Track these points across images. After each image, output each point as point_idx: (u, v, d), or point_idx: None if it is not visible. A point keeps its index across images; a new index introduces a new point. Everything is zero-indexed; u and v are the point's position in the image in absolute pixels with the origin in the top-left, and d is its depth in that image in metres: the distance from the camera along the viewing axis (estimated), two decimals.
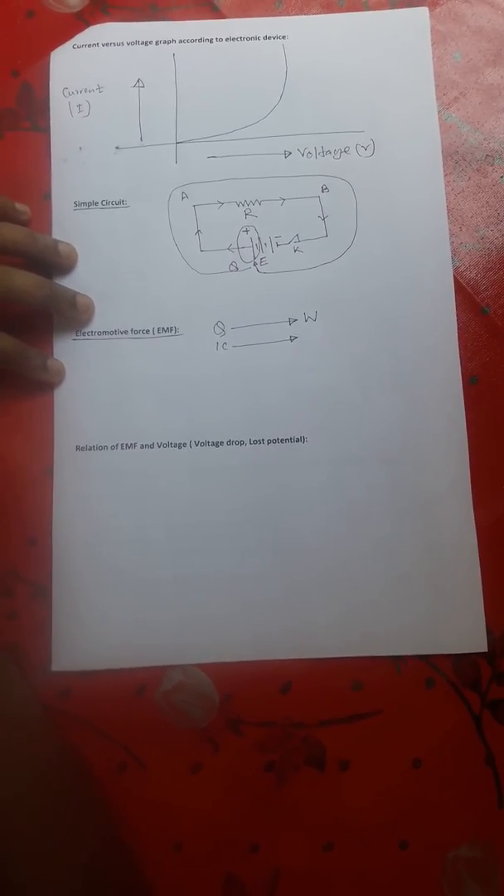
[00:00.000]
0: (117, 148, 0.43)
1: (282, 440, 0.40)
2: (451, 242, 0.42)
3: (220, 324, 0.41)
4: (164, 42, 0.44)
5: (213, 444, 0.40)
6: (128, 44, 0.44)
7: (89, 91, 0.43)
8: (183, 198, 0.42)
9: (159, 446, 0.40)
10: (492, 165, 0.43)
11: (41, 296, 0.39)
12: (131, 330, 0.41)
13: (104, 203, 0.43)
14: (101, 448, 0.40)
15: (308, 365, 0.41)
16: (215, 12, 0.45)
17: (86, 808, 0.35)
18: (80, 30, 0.44)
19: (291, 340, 0.41)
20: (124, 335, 0.41)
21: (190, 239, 0.42)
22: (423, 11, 0.44)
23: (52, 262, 0.41)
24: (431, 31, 0.44)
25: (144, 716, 0.38)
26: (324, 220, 0.42)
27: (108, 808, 0.36)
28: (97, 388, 0.41)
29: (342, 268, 0.42)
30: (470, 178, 0.43)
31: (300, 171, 0.43)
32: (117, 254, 0.42)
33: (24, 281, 0.39)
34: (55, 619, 0.39)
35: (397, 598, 0.39)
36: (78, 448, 0.40)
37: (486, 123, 0.43)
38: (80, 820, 0.34)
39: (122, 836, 0.36)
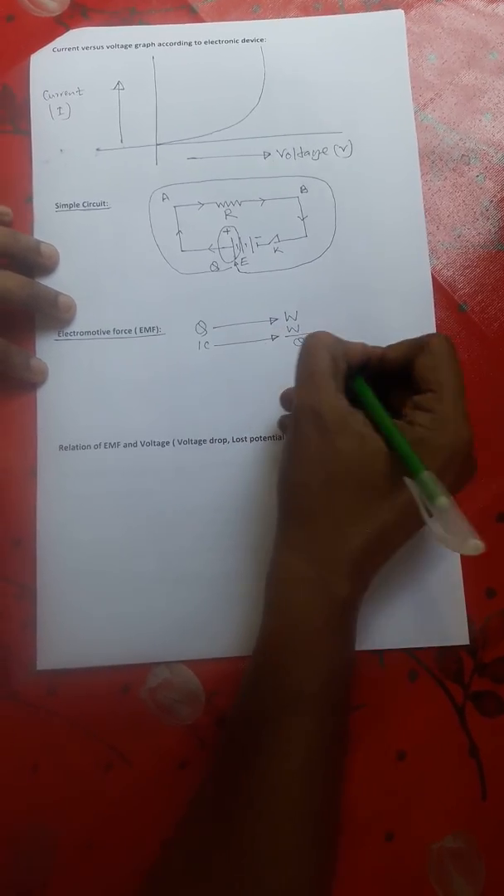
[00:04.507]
0: (98, 150, 0.43)
1: (264, 438, 0.41)
2: (429, 241, 0.43)
3: (201, 323, 0.42)
4: (144, 45, 0.44)
5: (196, 442, 0.41)
6: (107, 47, 0.44)
7: (69, 94, 0.44)
8: (163, 199, 0.43)
9: (143, 445, 0.41)
10: (468, 165, 0.44)
11: (24, 295, 0.40)
12: (113, 330, 0.42)
13: (85, 204, 0.43)
14: (84, 447, 0.40)
15: (289, 363, 0.41)
16: (194, 16, 0.45)
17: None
18: (60, 34, 0.45)
19: (272, 339, 0.42)
20: (107, 335, 0.42)
21: (171, 239, 0.42)
22: (399, 14, 0.45)
23: (35, 263, 0.41)
24: (407, 33, 0.45)
25: (130, 713, 0.38)
26: (303, 220, 0.43)
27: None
28: (80, 387, 0.41)
29: (322, 267, 0.42)
30: (447, 178, 0.44)
31: (279, 171, 0.43)
32: (99, 254, 0.42)
33: (6, 281, 0.39)
34: (40, 618, 0.39)
35: (380, 593, 0.39)
36: (61, 448, 0.40)
37: (462, 124, 0.44)
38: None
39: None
